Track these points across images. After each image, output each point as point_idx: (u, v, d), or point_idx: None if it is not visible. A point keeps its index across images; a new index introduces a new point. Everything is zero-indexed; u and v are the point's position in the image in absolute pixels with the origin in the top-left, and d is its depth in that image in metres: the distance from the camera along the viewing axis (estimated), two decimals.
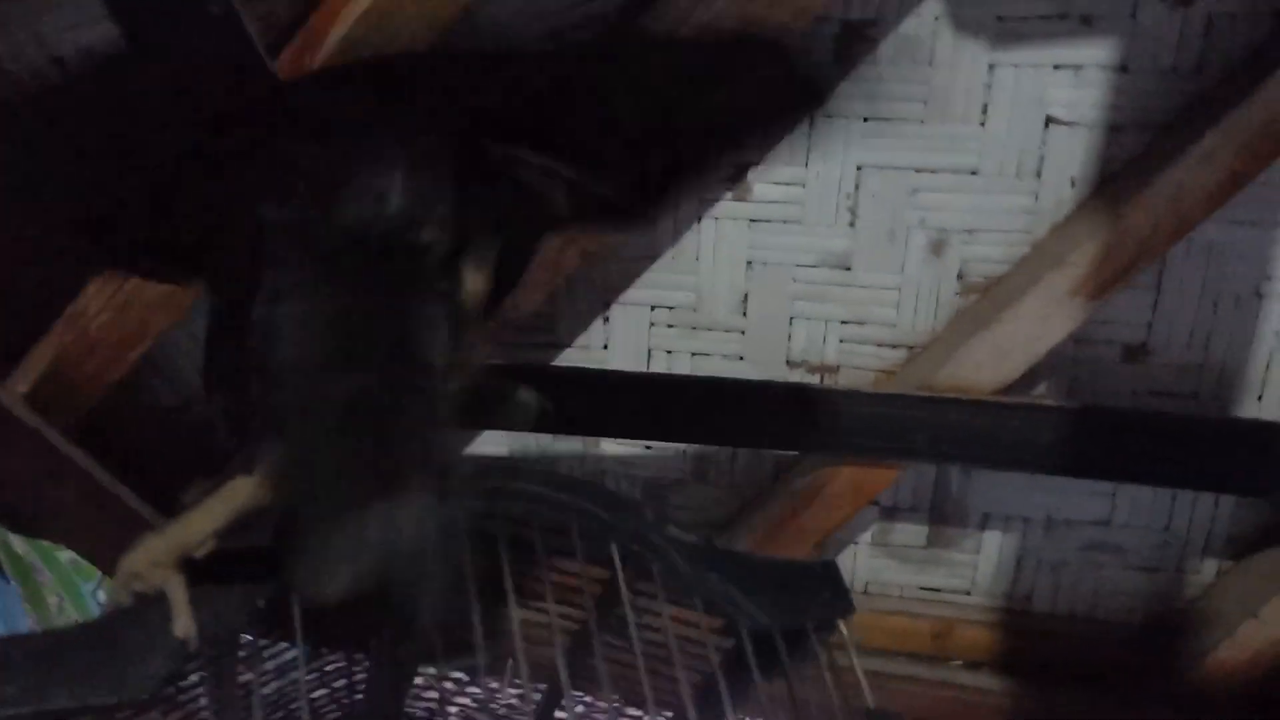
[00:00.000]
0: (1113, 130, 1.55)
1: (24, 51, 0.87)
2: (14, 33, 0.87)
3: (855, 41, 1.58)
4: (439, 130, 0.78)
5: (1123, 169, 1.56)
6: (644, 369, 1.85)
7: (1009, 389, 1.61)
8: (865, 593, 1.91)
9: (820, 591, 0.92)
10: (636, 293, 1.82)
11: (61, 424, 1.50)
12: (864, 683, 0.86)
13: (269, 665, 1.14)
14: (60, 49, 0.88)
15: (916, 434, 1.60)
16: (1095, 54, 1.52)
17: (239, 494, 0.83)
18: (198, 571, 0.87)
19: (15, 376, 1.46)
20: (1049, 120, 1.57)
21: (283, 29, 1.37)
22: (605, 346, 1.86)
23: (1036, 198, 1.61)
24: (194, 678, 0.92)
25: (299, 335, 0.72)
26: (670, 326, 1.83)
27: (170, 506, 1.26)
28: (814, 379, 1.78)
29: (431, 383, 0.74)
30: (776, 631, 0.89)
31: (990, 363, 1.57)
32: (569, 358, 1.87)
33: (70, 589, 4.32)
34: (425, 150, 0.76)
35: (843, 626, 0.91)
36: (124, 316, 1.44)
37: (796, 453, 1.81)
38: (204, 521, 0.84)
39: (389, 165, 0.75)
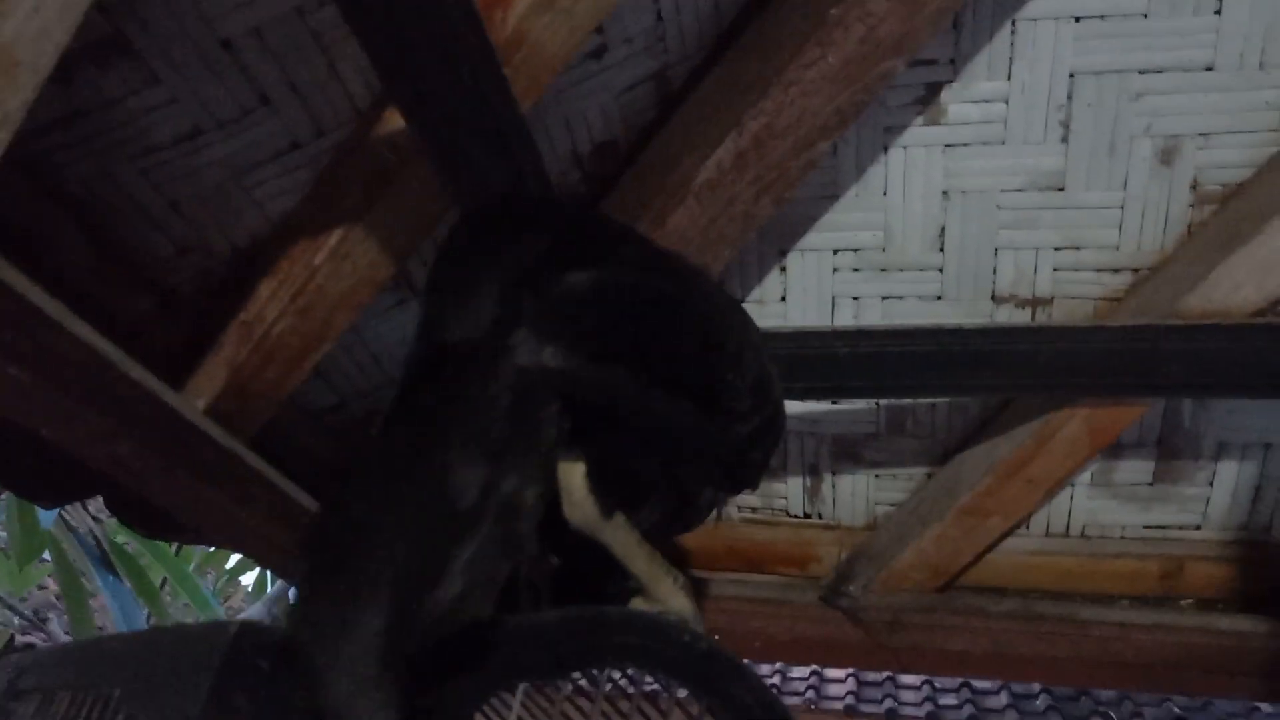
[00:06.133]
0: None
1: None
2: None
3: None
4: None
5: None
6: (827, 320, 1.70)
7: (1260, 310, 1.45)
8: (1084, 536, 1.78)
9: None
10: (816, 236, 1.67)
11: (244, 437, 1.38)
12: None
13: None
14: None
15: (1168, 366, 1.44)
16: None
17: None
18: None
19: (191, 387, 1.33)
20: None
21: None
22: (783, 298, 1.72)
23: None
24: None
25: None
26: (855, 270, 1.67)
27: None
28: (1023, 314, 1.63)
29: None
30: None
31: (1251, 281, 1.41)
32: None
33: (180, 577, 4.32)
34: None
35: None
36: (306, 320, 1.31)
37: (1005, 397, 1.66)
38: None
39: None
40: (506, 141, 1.12)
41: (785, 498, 1.88)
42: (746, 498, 1.90)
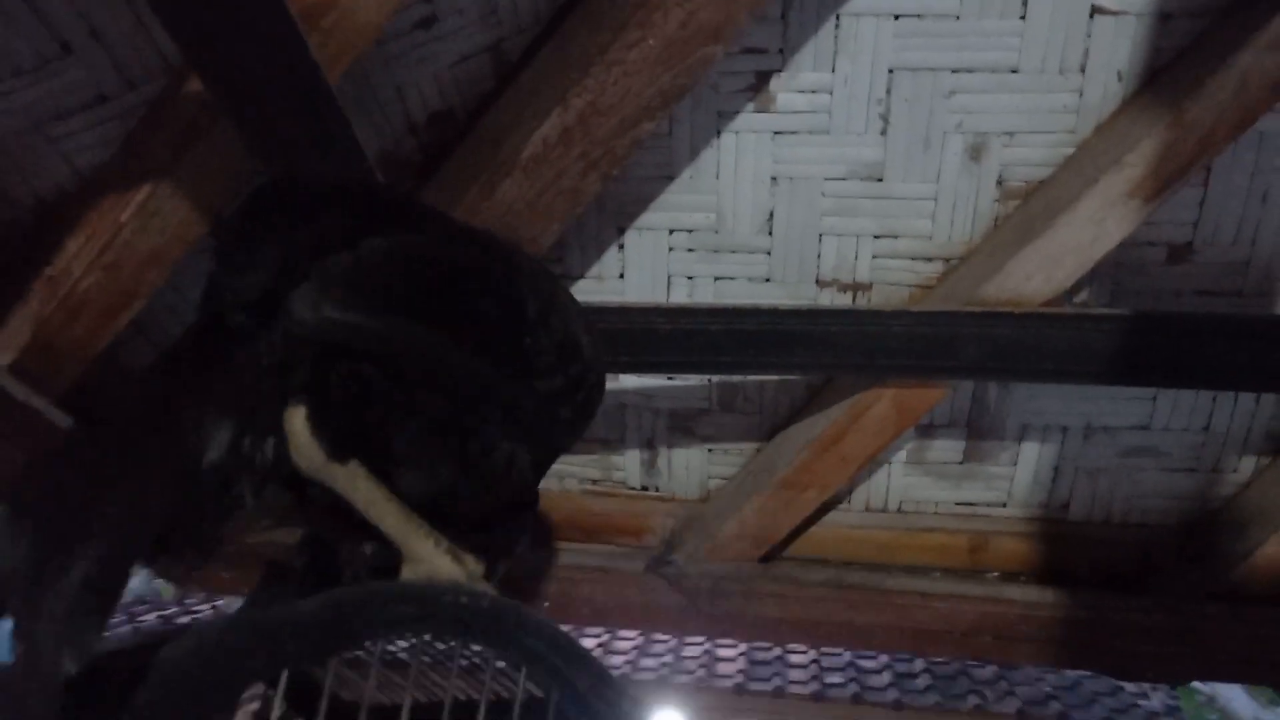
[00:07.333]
0: (1163, 19, 1.46)
1: None
2: None
3: None
4: None
5: (1173, 61, 1.48)
6: (663, 298, 1.75)
7: (1051, 300, 1.55)
8: (900, 511, 1.87)
9: None
10: (652, 216, 1.71)
11: (51, 395, 1.36)
12: None
13: None
14: None
15: (966, 350, 1.53)
16: None
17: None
18: None
19: None
20: (1094, 10, 1.47)
21: None
22: (621, 275, 1.76)
23: (1081, 94, 1.52)
24: None
25: None
26: (690, 250, 1.72)
27: None
28: (845, 298, 1.70)
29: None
30: None
31: (1041, 272, 1.50)
32: (583, 289, 1.76)
33: None
34: None
35: None
36: (113, 277, 1.30)
37: (829, 377, 1.74)
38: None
39: None
40: (310, 108, 1.13)
41: (623, 470, 1.93)
42: (587, 470, 1.95)
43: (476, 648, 0.97)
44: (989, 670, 6.71)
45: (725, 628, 1.80)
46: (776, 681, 6.53)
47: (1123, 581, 1.80)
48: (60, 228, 1.29)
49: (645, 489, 1.94)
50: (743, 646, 6.99)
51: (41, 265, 1.30)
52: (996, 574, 1.85)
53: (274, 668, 0.84)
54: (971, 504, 1.86)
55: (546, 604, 1.84)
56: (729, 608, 1.78)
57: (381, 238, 0.94)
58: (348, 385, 0.87)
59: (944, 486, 1.85)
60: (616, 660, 6.56)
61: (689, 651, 6.93)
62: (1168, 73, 1.47)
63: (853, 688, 6.51)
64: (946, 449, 1.81)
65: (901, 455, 1.84)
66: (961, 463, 1.82)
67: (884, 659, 6.90)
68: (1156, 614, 1.74)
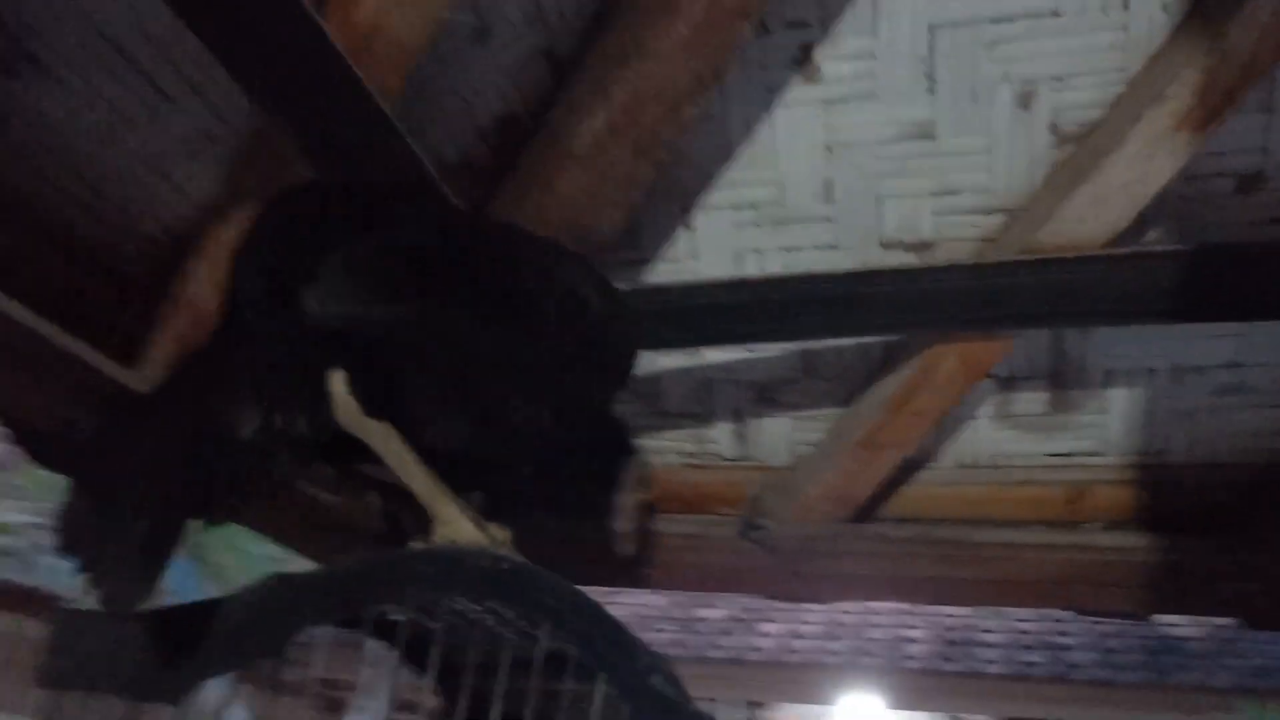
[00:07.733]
0: None
1: None
2: None
3: None
4: None
5: None
6: (736, 273, 1.83)
7: (1119, 239, 1.54)
8: (991, 466, 1.88)
9: None
10: (717, 195, 1.79)
11: None
12: None
13: None
14: None
15: (1022, 299, 1.54)
16: None
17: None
18: None
19: (143, 365, 1.53)
20: None
21: None
22: (695, 256, 1.84)
23: (1126, 30, 1.50)
24: None
25: None
26: (756, 225, 1.79)
27: None
28: (912, 258, 1.73)
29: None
30: None
31: (1093, 214, 1.50)
32: (659, 273, 1.86)
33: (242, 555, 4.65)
34: None
35: None
36: None
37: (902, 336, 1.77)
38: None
39: None
40: (364, 127, 1.28)
41: (716, 442, 2.02)
42: (683, 444, 2.05)
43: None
44: (1202, 645, 6.36)
45: (816, 587, 1.86)
46: (969, 662, 6.41)
47: (1231, 524, 1.75)
48: (187, 256, 1.50)
49: (739, 459, 2.02)
50: (933, 628, 6.88)
51: (178, 290, 1.51)
52: (1097, 524, 1.83)
53: (314, 619, 0.98)
54: (1065, 454, 1.84)
55: (649, 571, 1.94)
56: (818, 567, 1.83)
57: (379, 232, 1.07)
58: (365, 359, 1.00)
59: (1033, 439, 1.84)
60: (800, 644, 6.59)
61: (875, 634, 6.89)
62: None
63: (1054, 667, 6.32)
64: (1030, 401, 1.81)
65: (988, 410, 1.84)
66: (1048, 414, 1.81)
67: (1088, 636, 6.64)
68: (1263, 559, 1.68)
